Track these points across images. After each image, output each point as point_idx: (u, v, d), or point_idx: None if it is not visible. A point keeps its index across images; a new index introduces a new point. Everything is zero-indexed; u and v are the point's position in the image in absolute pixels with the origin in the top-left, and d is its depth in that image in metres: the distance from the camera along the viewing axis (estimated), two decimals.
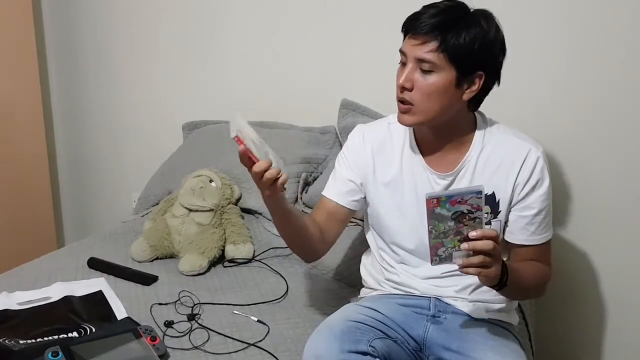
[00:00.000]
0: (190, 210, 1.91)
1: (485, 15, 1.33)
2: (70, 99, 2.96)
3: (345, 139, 1.60)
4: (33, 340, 1.43)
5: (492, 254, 1.19)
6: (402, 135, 1.46)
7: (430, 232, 1.19)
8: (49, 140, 2.96)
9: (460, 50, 1.28)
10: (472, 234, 1.18)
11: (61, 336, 1.46)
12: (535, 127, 1.75)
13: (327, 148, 2.12)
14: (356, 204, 1.52)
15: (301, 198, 2.04)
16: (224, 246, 1.90)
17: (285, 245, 1.86)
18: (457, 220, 1.17)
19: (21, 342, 1.42)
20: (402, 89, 1.33)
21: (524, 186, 1.38)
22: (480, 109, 1.44)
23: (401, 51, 1.35)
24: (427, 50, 1.29)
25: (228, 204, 1.96)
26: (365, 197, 1.52)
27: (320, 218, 1.51)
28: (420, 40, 1.29)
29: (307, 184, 2.07)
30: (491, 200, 1.39)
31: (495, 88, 1.39)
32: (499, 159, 1.39)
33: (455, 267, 1.34)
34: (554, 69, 1.89)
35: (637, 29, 1.77)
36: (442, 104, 1.32)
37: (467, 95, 1.34)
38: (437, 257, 1.21)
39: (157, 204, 2.17)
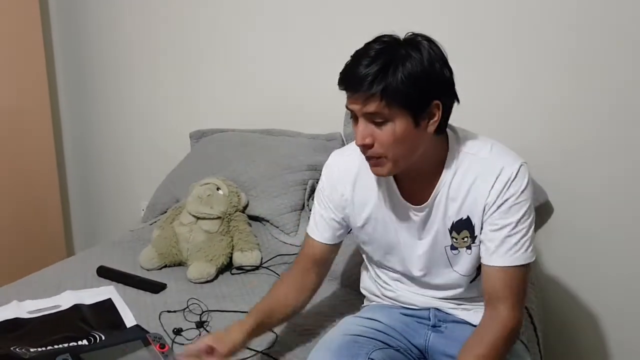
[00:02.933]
0: (198, 218, 1.93)
1: (413, 43, 1.21)
2: (79, 109, 2.99)
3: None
4: (43, 348, 1.44)
5: None
6: None
7: None
8: (58, 150, 2.98)
9: (404, 92, 1.17)
10: None
11: (71, 344, 1.47)
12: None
13: None
14: (341, 237, 1.48)
15: (308, 205, 2.05)
16: (231, 253, 1.91)
17: (293, 253, 1.89)
18: None
19: (32, 350, 1.43)
20: (364, 147, 1.24)
21: (492, 205, 1.27)
22: (458, 121, 1.35)
23: (347, 107, 1.25)
24: (373, 106, 1.19)
25: (235, 211, 1.97)
26: (349, 228, 1.47)
27: (309, 257, 1.47)
28: (362, 98, 1.19)
29: (313, 190, 2.08)
30: (467, 224, 1.31)
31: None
32: (471, 180, 1.29)
33: (455, 292, 1.38)
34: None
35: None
36: (409, 148, 1.24)
37: (431, 128, 1.24)
38: None
39: (165, 212, 2.18)
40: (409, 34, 1.24)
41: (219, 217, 1.92)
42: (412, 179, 1.33)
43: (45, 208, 2.88)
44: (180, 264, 1.92)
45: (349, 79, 1.22)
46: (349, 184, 1.41)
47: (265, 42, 2.39)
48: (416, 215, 1.35)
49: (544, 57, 1.90)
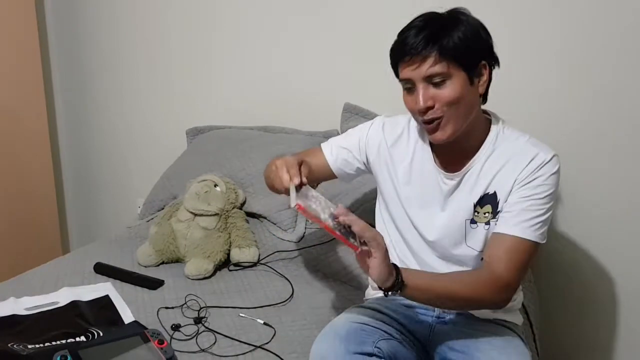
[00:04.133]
0: (196, 215, 1.93)
1: (459, 12, 1.32)
2: (75, 105, 2.98)
3: None
4: (41, 345, 1.44)
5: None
6: (419, 131, 1.46)
7: None
8: (54, 146, 2.98)
9: (459, 49, 1.26)
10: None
11: (69, 340, 1.47)
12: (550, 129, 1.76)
13: None
14: (342, 174, 1.56)
15: None
16: (229, 250, 1.91)
17: (290, 249, 1.89)
18: None
19: (29, 346, 1.43)
20: (426, 109, 1.30)
21: (521, 181, 1.34)
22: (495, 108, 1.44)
23: (403, 79, 1.32)
24: (431, 65, 1.26)
25: (233, 208, 1.97)
26: (359, 174, 1.57)
27: (309, 157, 1.52)
28: (419, 59, 1.27)
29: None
30: (492, 199, 1.37)
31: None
32: (505, 161, 1.36)
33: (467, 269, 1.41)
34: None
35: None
36: (466, 108, 1.31)
37: (481, 88, 1.33)
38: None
39: (163, 208, 2.18)
40: (448, 10, 1.32)
41: (216, 214, 1.93)
42: (449, 151, 1.39)
43: (41, 205, 2.87)
44: (178, 260, 1.92)
45: (403, 47, 1.29)
46: (388, 143, 1.48)
47: (263, 40, 2.39)
48: (445, 184, 1.41)
49: (542, 56, 1.90)
